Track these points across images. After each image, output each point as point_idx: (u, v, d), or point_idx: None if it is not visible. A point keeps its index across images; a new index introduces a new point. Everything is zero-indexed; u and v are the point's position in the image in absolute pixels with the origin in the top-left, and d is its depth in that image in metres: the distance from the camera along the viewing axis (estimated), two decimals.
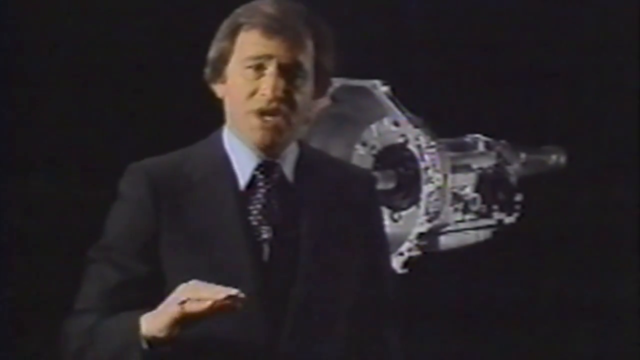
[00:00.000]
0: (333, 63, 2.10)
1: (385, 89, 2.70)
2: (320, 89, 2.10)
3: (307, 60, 2.06)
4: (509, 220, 2.90)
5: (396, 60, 3.23)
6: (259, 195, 2.06)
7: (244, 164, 2.08)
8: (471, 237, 2.87)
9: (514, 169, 2.91)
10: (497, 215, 2.86)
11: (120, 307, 1.98)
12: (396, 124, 2.75)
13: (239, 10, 2.10)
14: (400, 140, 2.76)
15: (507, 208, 2.89)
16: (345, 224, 2.08)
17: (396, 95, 2.71)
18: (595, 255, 3.39)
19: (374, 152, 2.82)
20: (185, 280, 1.95)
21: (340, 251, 2.07)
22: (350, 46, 3.11)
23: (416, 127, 2.70)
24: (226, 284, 1.96)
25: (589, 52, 3.37)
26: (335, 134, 2.84)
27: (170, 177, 2.06)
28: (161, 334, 1.93)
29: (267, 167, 2.08)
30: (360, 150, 2.84)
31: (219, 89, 2.11)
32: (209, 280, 1.96)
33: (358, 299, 2.09)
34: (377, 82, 2.71)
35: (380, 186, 2.75)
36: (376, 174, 2.76)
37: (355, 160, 2.83)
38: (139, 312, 1.96)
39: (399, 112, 2.71)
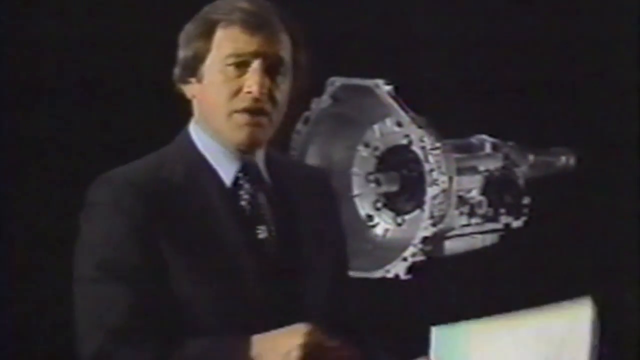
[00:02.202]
0: (308, 60, 2.08)
1: (388, 88, 2.65)
2: (297, 87, 2.08)
3: (287, 56, 2.04)
4: (516, 224, 2.85)
5: (399, 58, 3.19)
6: (247, 196, 2.05)
7: (224, 165, 2.06)
8: (477, 242, 2.82)
9: (521, 171, 2.86)
10: (504, 219, 2.81)
11: (146, 324, 1.92)
12: (399, 124, 2.69)
13: (208, 9, 2.06)
14: (404, 141, 2.70)
15: (514, 211, 2.83)
16: (319, 222, 2.09)
17: (399, 95, 2.67)
18: (604, 259, 3.34)
19: (377, 153, 2.77)
20: (192, 288, 1.94)
21: (318, 250, 2.08)
22: (352, 44, 3.22)
23: (420, 127, 2.64)
24: (233, 287, 1.97)
25: (598, 51, 3.33)
26: (336, 135, 2.79)
27: (151, 184, 2.01)
28: None
29: (248, 166, 2.07)
30: (362, 151, 2.79)
31: (191, 89, 2.07)
32: (215, 283, 1.96)
33: (331, 295, 2.10)
34: (379, 81, 2.66)
35: (384, 188, 2.73)
36: (379, 176, 2.74)
37: (358, 162, 2.79)
38: (241, 336, 1.93)
39: (402, 112, 2.65)
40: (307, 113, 2.72)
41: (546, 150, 2.99)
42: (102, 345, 1.92)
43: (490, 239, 2.82)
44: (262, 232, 2.03)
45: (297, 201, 2.10)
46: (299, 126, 2.72)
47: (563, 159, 3.00)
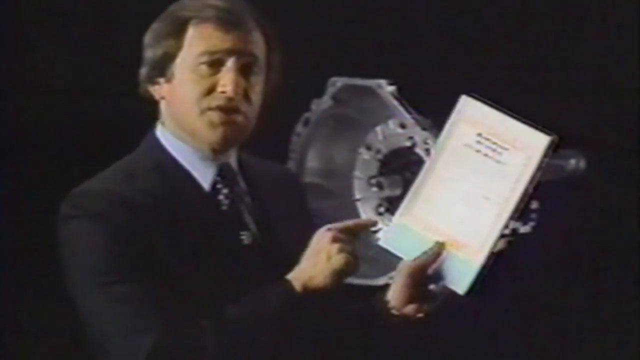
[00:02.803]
0: (281, 61, 2.07)
1: (391, 88, 2.57)
2: (270, 88, 2.06)
3: (261, 55, 2.02)
4: (524, 229, 2.67)
5: (403, 57, 3.17)
6: (227, 201, 2.03)
7: (200, 168, 2.03)
8: None
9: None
10: (511, 225, 2.59)
11: (179, 310, 1.93)
12: (403, 126, 2.61)
13: (176, 7, 2.03)
14: (407, 143, 2.62)
15: (522, 217, 2.60)
16: (295, 224, 2.08)
17: (403, 95, 2.59)
18: (615, 265, 3.32)
19: (379, 156, 2.70)
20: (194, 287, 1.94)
21: (298, 253, 2.05)
22: (354, 43, 3.21)
23: (424, 129, 2.56)
24: (224, 295, 1.95)
25: (612, 50, 3.30)
26: (337, 137, 2.71)
27: (129, 194, 1.97)
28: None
29: (225, 170, 2.04)
30: (364, 154, 2.71)
31: (160, 90, 2.03)
32: (206, 290, 1.94)
33: None
34: (382, 81, 2.58)
35: (386, 193, 2.66)
36: (382, 179, 2.67)
37: (360, 165, 2.71)
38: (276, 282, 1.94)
39: (405, 114, 2.57)
40: (307, 114, 2.65)
41: (555, 152, 2.79)
42: (159, 341, 1.88)
43: (497, 245, 2.65)
44: (246, 238, 2.01)
45: (272, 204, 2.08)
46: (299, 128, 2.65)
47: (573, 162, 2.90)
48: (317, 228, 2.10)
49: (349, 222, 1.98)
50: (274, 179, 2.19)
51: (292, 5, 3.06)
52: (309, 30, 3.13)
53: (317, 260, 1.93)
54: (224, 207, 2.04)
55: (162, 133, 2.06)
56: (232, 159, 2.08)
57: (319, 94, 2.64)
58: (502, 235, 2.72)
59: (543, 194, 2.80)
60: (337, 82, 2.63)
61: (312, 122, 2.66)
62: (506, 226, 2.01)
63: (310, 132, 2.67)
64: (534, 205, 2.70)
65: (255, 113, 2.05)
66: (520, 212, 2.74)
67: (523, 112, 3.20)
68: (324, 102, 2.64)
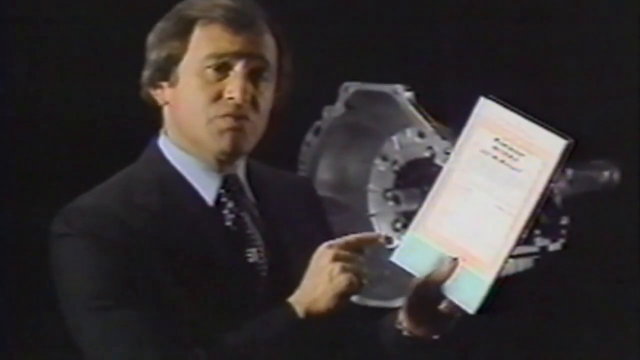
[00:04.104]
0: (293, 66, 2.00)
1: (408, 94, 2.50)
2: (280, 95, 1.99)
3: (272, 60, 1.95)
4: (553, 247, 2.64)
5: (421, 61, 3.11)
6: (232, 216, 1.96)
7: (204, 181, 1.96)
8: (510, 267, 2.52)
9: (559, 188, 2.66)
10: (539, 242, 2.62)
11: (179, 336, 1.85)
12: (421, 135, 2.53)
13: (183, 6, 1.96)
14: (426, 153, 2.54)
15: (551, 233, 2.63)
16: (309, 237, 1.96)
17: (421, 102, 2.52)
18: None
19: (396, 167, 2.62)
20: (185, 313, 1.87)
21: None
22: (368, 46, 3.10)
23: (444, 138, 2.48)
24: (226, 315, 1.89)
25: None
26: (351, 147, 2.64)
27: (126, 210, 1.88)
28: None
29: (230, 182, 1.98)
30: (380, 165, 2.63)
31: (163, 94, 1.96)
32: (208, 310, 1.88)
33: None
34: (398, 86, 2.50)
35: (403, 207, 2.59)
36: (398, 192, 2.60)
37: (375, 177, 2.64)
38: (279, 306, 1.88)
39: (424, 122, 2.50)
40: (318, 122, 2.58)
41: (587, 164, 2.82)
42: None
43: (524, 264, 2.64)
44: (252, 256, 1.94)
45: (284, 217, 2.00)
46: (309, 137, 2.59)
47: (606, 174, 2.82)
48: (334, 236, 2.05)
49: (351, 238, 1.87)
50: (288, 190, 2.10)
51: (302, 5, 2.98)
52: (320, 32, 3.04)
53: (319, 282, 1.84)
54: (227, 223, 1.96)
55: (165, 143, 1.99)
56: (239, 169, 2.00)
57: (331, 100, 2.57)
58: (530, 254, 2.61)
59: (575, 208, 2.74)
60: (350, 87, 2.56)
61: (324, 131, 2.60)
62: (519, 239, 1.92)
63: (322, 142, 2.61)
64: (564, 221, 2.65)
65: (263, 122, 1.97)
66: (548, 228, 2.67)
67: (544, 119, 3.17)
68: (336, 109, 2.58)
